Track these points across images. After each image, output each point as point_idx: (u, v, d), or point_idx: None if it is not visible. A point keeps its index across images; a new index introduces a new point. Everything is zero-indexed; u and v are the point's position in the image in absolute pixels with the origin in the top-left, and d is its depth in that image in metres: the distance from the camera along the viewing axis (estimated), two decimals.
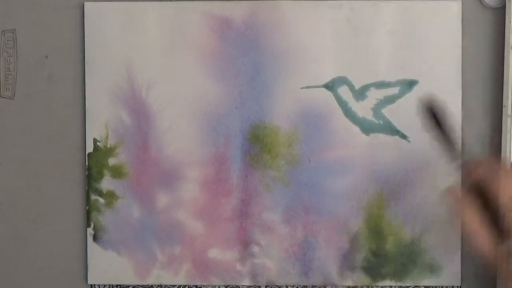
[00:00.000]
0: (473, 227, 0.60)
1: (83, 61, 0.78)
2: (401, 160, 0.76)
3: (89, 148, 0.78)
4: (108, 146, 0.78)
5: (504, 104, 0.74)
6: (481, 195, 0.61)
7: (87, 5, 0.78)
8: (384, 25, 0.76)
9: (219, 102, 0.77)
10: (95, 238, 0.78)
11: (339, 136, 0.77)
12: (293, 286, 0.78)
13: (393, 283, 0.77)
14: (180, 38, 0.77)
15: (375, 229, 0.77)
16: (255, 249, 0.78)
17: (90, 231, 0.78)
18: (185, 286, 0.78)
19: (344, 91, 0.77)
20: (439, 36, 0.76)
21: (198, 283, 0.78)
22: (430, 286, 0.77)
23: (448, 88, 0.76)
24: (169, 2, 0.77)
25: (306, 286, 0.78)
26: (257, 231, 0.77)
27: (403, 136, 0.77)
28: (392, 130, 0.77)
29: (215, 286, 0.78)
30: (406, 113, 0.76)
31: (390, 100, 0.77)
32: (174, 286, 0.78)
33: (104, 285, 0.79)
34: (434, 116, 0.66)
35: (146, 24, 0.77)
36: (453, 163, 0.66)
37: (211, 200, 0.78)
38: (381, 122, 0.77)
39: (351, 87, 0.77)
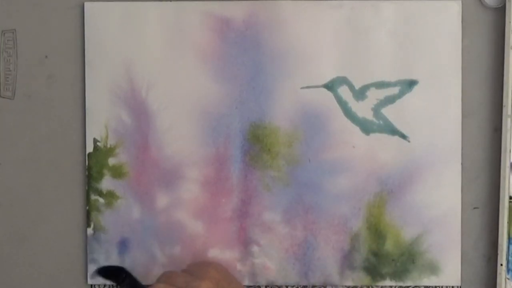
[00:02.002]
0: None
1: (83, 61, 0.78)
2: (401, 160, 0.76)
3: (89, 148, 0.78)
4: (108, 146, 0.78)
5: (504, 104, 0.74)
6: None
7: (87, 5, 0.78)
8: (384, 25, 0.76)
9: (219, 102, 0.77)
10: (95, 238, 0.78)
11: (339, 136, 0.77)
12: (293, 286, 0.78)
13: (393, 283, 0.77)
14: (180, 38, 0.77)
15: (375, 229, 0.77)
16: (255, 249, 0.78)
17: (90, 231, 0.78)
18: None
19: (344, 91, 0.77)
20: (439, 36, 0.76)
21: None
22: (430, 286, 0.77)
23: (448, 88, 0.76)
24: (169, 2, 0.77)
25: (306, 286, 0.78)
26: (257, 231, 0.77)
27: (403, 136, 0.77)
28: (392, 130, 0.77)
29: None
30: (406, 113, 0.76)
31: (390, 100, 0.77)
32: None
33: (104, 285, 0.79)
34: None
35: (146, 24, 0.77)
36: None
37: (211, 200, 0.78)
38: (381, 122, 0.77)
39: (351, 87, 0.77)
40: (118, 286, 0.75)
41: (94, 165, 0.78)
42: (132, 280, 0.74)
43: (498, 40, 0.76)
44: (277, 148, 0.77)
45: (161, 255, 0.78)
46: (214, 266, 0.72)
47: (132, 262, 0.78)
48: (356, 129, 0.77)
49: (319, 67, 0.77)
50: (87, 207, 0.78)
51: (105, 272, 0.75)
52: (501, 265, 0.75)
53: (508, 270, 0.75)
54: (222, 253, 0.78)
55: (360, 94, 0.77)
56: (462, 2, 0.76)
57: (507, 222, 0.74)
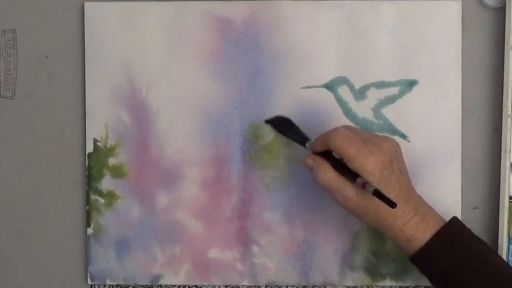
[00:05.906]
0: (333, 180, 0.67)
1: (83, 61, 0.78)
2: None
3: (89, 148, 0.78)
4: (108, 146, 0.78)
5: (504, 104, 0.74)
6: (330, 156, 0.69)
7: (87, 5, 0.78)
8: (384, 25, 0.76)
9: (219, 102, 0.77)
10: (95, 238, 0.78)
11: None
12: (293, 286, 0.78)
13: (393, 283, 0.77)
14: (180, 38, 0.77)
15: (375, 229, 0.77)
16: (255, 249, 0.78)
17: (90, 231, 0.78)
18: (185, 286, 0.78)
19: (344, 91, 0.77)
20: (439, 36, 0.76)
21: (198, 283, 0.78)
22: (430, 286, 0.77)
23: (448, 88, 0.76)
24: (169, 2, 0.77)
25: (306, 286, 0.78)
26: (257, 231, 0.77)
27: (403, 136, 0.77)
28: (392, 130, 0.77)
29: (215, 286, 0.78)
30: (406, 113, 0.76)
31: (390, 100, 0.77)
32: (174, 286, 0.78)
33: (104, 285, 0.79)
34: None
35: (146, 24, 0.77)
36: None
37: (211, 200, 0.78)
38: (381, 122, 0.77)
39: (351, 87, 0.77)
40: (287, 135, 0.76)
41: (94, 165, 0.78)
42: (297, 129, 0.75)
43: (498, 40, 0.76)
44: (277, 148, 0.77)
45: (161, 255, 0.78)
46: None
47: (132, 262, 0.78)
48: None
49: (319, 67, 0.77)
50: (87, 207, 0.78)
51: (274, 122, 0.77)
52: None
53: None
54: (222, 253, 0.78)
55: (360, 94, 0.77)
56: (462, 2, 0.76)
57: (507, 222, 0.74)
